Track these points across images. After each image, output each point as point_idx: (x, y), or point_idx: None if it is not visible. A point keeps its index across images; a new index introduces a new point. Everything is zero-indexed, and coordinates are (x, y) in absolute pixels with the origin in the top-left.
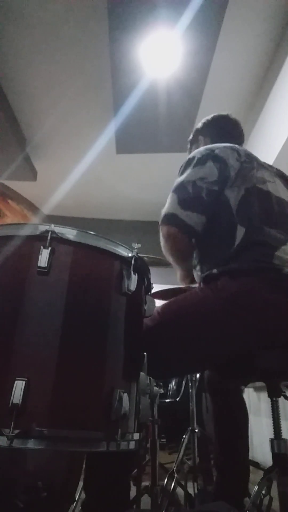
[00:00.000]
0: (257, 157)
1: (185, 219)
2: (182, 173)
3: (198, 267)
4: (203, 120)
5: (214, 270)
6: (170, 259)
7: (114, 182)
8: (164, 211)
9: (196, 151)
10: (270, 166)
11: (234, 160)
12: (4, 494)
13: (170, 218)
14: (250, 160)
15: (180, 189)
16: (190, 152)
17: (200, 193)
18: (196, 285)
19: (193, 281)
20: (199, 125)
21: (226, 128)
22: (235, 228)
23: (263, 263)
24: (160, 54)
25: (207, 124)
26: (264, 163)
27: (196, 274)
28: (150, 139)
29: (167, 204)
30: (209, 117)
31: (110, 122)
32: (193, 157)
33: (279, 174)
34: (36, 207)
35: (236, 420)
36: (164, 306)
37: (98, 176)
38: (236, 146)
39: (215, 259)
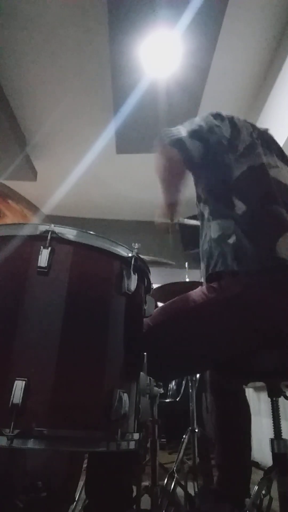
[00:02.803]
0: (269, 139)
1: (190, 147)
2: (199, 116)
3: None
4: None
5: (218, 269)
6: (162, 181)
7: (114, 182)
8: (169, 134)
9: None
10: (280, 151)
11: (247, 133)
12: (4, 494)
13: (176, 143)
14: (264, 141)
15: (192, 122)
16: None
17: (210, 137)
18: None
19: (174, 214)
20: None
21: None
22: (231, 200)
23: (265, 260)
24: (160, 54)
25: None
26: (275, 148)
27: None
28: (150, 139)
29: (174, 131)
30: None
31: (110, 122)
32: (212, 112)
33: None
34: (36, 207)
35: (238, 421)
36: (166, 305)
37: (98, 176)
38: (256, 125)
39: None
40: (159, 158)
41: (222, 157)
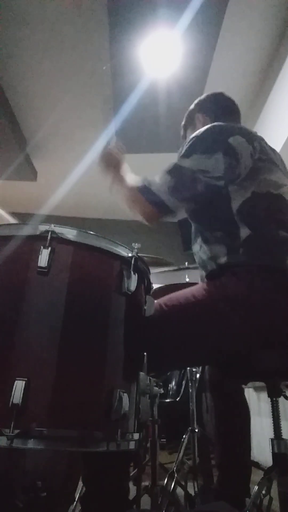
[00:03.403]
0: (271, 152)
1: (167, 203)
2: (186, 154)
3: (208, 251)
4: (196, 101)
5: (221, 262)
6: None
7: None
8: (150, 183)
9: (208, 130)
10: (283, 164)
11: (248, 156)
12: (4, 494)
13: (151, 195)
14: (265, 159)
15: (176, 173)
16: (185, 137)
17: (196, 186)
18: None
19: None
20: (192, 106)
21: (227, 104)
22: (237, 227)
23: (274, 264)
24: (160, 54)
25: (203, 101)
26: (278, 159)
27: (207, 259)
28: (150, 139)
29: (157, 181)
30: (202, 96)
31: (110, 122)
32: (203, 139)
33: None
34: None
35: (238, 421)
36: (168, 298)
37: (98, 176)
38: (253, 134)
39: (223, 247)
40: (132, 202)
41: (217, 194)
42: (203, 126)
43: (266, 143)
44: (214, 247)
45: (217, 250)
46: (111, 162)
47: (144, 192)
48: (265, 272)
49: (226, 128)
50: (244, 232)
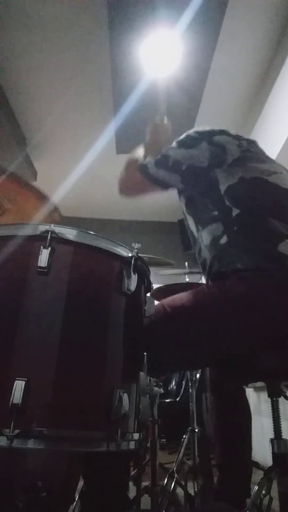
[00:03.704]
0: (263, 151)
1: (154, 173)
2: (174, 146)
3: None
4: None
5: (223, 269)
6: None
7: (114, 182)
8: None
9: (198, 127)
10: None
11: (234, 146)
12: (4, 494)
13: (140, 168)
14: (255, 151)
15: (161, 159)
16: None
17: (180, 166)
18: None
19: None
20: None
21: None
22: (228, 206)
23: (269, 262)
24: (160, 54)
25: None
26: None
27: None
28: None
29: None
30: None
31: (110, 122)
32: (191, 134)
33: None
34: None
35: (239, 421)
36: (171, 300)
37: (98, 176)
38: (242, 136)
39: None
40: (125, 174)
41: (204, 176)
42: None
43: (258, 146)
44: (211, 228)
45: (214, 229)
46: (160, 136)
47: (139, 168)
48: (269, 274)
49: (213, 129)
50: (235, 211)
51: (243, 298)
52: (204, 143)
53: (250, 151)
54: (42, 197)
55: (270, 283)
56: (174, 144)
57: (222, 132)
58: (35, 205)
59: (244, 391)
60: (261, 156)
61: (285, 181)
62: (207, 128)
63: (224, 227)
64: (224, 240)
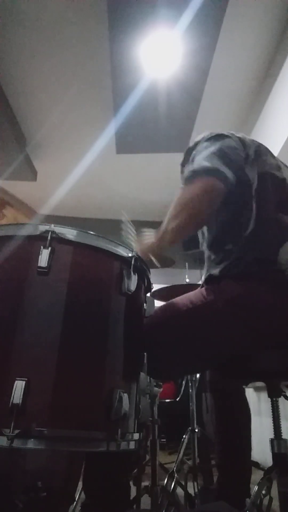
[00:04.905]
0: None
1: (227, 173)
2: (197, 153)
3: (210, 247)
4: (197, 139)
5: (216, 272)
6: (198, 213)
7: (114, 182)
8: (199, 166)
9: (204, 133)
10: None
11: (250, 141)
12: (4, 494)
13: (211, 171)
14: (263, 148)
15: (217, 152)
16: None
17: (237, 156)
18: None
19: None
20: (190, 144)
21: None
22: (250, 210)
23: (266, 265)
24: (160, 54)
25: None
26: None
27: (208, 255)
28: (150, 139)
29: (201, 161)
30: (205, 134)
31: (110, 122)
32: (207, 135)
33: None
34: (34, 210)
35: (238, 421)
36: (166, 305)
37: (98, 176)
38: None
39: (228, 239)
40: (199, 193)
41: (243, 172)
42: None
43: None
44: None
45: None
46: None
47: (204, 172)
48: (263, 276)
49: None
50: (252, 223)
51: (239, 300)
52: (227, 138)
53: (259, 147)
54: (29, 212)
55: (265, 285)
56: (204, 144)
57: (231, 134)
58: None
59: (243, 391)
60: (268, 152)
61: None
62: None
63: (233, 245)
64: (229, 246)
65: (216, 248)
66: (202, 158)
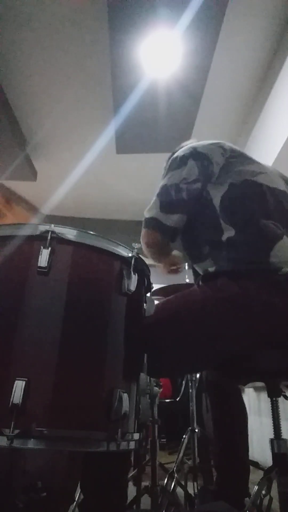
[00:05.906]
0: (244, 152)
1: (161, 220)
2: (165, 174)
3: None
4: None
5: (212, 269)
6: (151, 257)
7: (114, 182)
8: (145, 214)
9: (180, 150)
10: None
11: (218, 155)
12: (4, 494)
13: (150, 222)
14: (237, 155)
15: (163, 193)
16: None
17: (181, 195)
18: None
19: (174, 269)
20: (172, 153)
21: None
22: (219, 226)
23: (260, 264)
24: (160, 54)
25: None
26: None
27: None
28: (150, 139)
29: (150, 208)
30: (178, 153)
31: (110, 122)
32: (176, 157)
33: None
34: (36, 208)
35: (235, 421)
36: (163, 303)
37: (98, 176)
38: (222, 142)
39: (203, 253)
40: (143, 243)
41: (200, 200)
42: None
43: (239, 149)
44: (203, 264)
45: (205, 265)
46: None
47: (145, 224)
48: (259, 275)
49: (195, 144)
50: (228, 233)
51: (236, 298)
52: (190, 160)
53: (233, 156)
54: (32, 209)
55: (261, 284)
56: (163, 172)
57: (203, 144)
58: (25, 219)
59: (240, 391)
60: (245, 159)
61: (271, 180)
62: (185, 147)
63: (214, 261)
64: (212, 270)
65: (194, 250)
66: (150, 203)
